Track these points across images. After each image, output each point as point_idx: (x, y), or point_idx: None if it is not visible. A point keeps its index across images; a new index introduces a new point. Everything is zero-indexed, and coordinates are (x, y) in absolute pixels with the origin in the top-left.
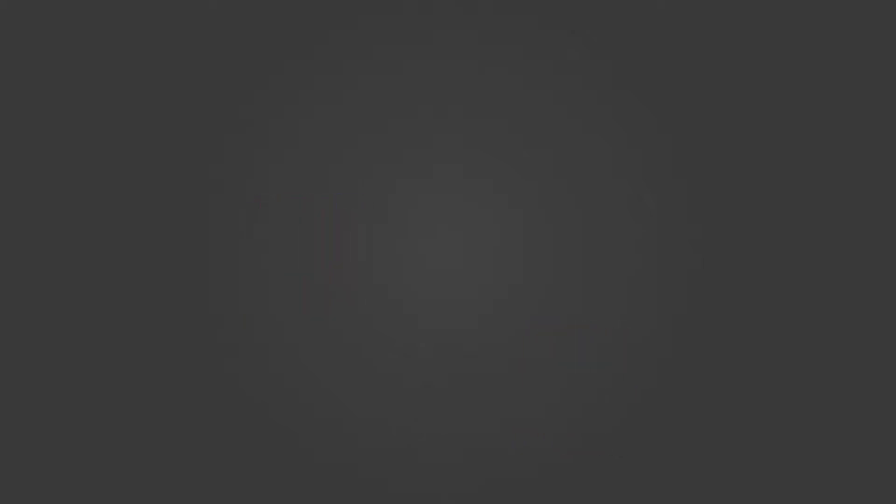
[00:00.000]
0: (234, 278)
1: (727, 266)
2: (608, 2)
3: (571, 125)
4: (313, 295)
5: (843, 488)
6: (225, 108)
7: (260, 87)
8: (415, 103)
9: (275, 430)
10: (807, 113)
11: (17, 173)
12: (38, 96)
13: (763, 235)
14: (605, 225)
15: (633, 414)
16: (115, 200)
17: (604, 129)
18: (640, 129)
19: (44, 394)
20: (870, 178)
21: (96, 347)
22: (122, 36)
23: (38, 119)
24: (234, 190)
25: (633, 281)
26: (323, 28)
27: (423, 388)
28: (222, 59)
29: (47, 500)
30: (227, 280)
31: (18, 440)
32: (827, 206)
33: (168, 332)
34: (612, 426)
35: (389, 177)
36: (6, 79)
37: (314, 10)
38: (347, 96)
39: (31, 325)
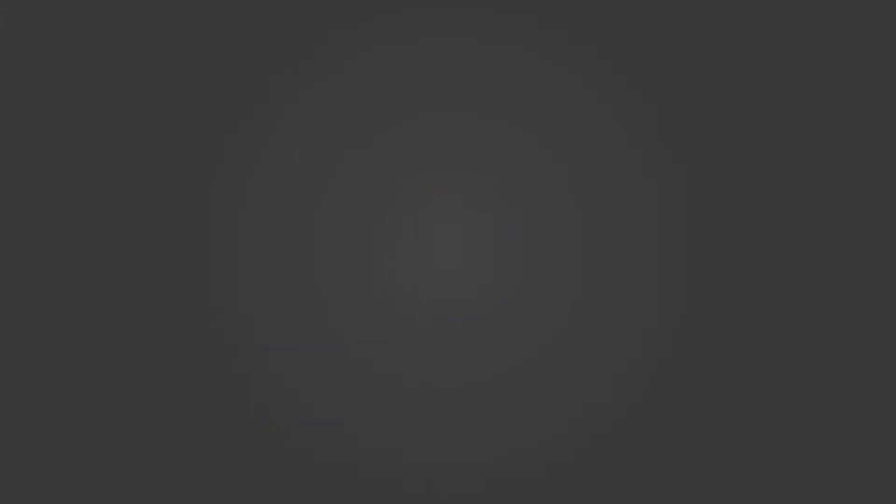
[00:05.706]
0: (235, 278)
1: (727, 266)
2: (608, 2)
3: (571, 125)
4: (313, 295)
5: (843, 488)
6: (226, 108)
7: (260, 87)
8: (415, 103)
9: (275, 430)
10: (806, 113)
11: (19, 173)
12: (40, 97)
13: (763, 235)
14: (604, 225)
15: (633, 413)
16: (116, 201)
17: (604, 128)
18: (640, 128)
19: (43, 394)
20: (869, 176)
21: (96, 347)
22: (124, 37)
23: (40, 120)
24: (235, 190)
25: (632, 281)
26: (323, 28)
27: (422, 387)
28: (223, 59)
29: (47, 500)
30: (227, 280)
31: (18, 439)
32: (826, 205)
33: (168, 331)
34: (612, 426)
35: (390, 177)
36: (7, 79)
37: (314, 10)
38: (348, 96)
39: (30, 326)
